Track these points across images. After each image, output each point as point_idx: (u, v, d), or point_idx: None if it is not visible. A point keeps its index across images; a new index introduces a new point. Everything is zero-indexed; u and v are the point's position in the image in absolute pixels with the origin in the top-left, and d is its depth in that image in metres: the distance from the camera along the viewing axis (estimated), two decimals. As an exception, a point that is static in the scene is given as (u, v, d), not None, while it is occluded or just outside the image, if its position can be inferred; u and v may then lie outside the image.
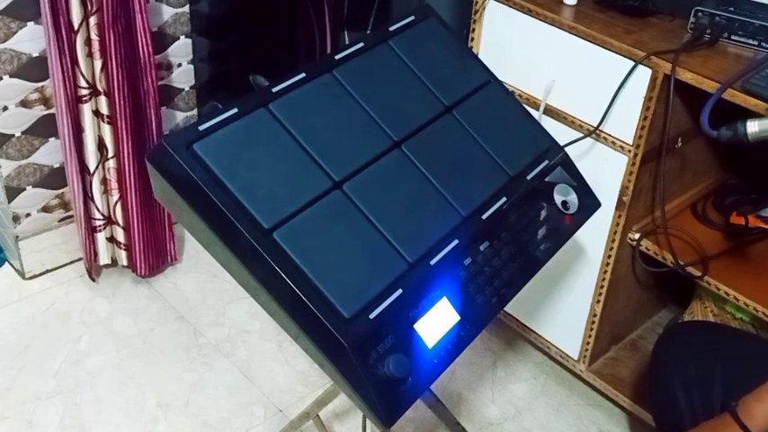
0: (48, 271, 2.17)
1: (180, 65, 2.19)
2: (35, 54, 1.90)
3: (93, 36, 1.82)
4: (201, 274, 2.21)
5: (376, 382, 1.00)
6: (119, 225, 2.06)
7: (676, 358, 1.40)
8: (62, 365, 1.93)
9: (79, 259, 2.18)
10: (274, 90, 1.14)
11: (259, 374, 1.95)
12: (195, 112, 2.30)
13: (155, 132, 1.98)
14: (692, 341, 1.43)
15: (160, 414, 1.84)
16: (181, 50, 2.17)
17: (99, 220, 2.05)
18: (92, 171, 1.99)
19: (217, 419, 1.83)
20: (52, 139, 2.02)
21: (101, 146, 1.97)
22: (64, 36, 1.79)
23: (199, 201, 1.03)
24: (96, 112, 1.93)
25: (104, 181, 2.01)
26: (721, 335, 1.51)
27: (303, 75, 1.17)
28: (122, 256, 2.11)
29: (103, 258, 2.11)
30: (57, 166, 2.06)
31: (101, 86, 1.88)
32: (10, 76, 1.89)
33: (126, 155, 1.96)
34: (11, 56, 1.87)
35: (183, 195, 1.04)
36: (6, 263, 2.19)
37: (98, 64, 1.85)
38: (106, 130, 1.94)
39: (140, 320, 2.07)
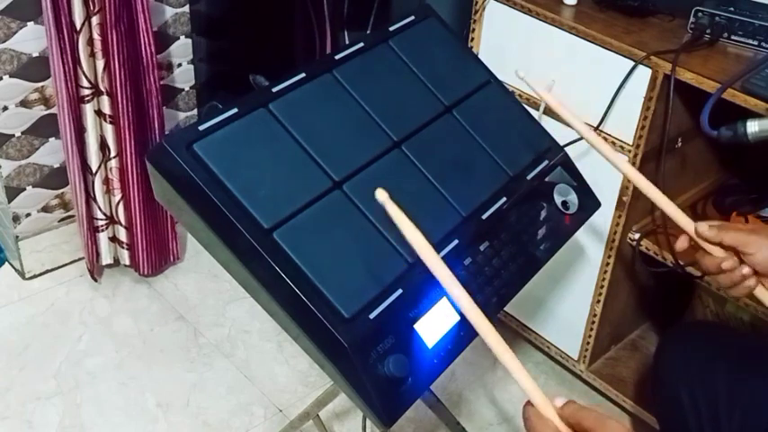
0: (48, 271, 2.17)
1: (180, 65, 2.19)
2: (35, 54, 1.90)
3: (96, 36, 1.82)
4: (201, 274, 2.21)
5: (376, 382, 1.00)
6: (121, 224, 2.06)
7: (680, 358, 1.40)
8: (62, 365, 1.93)
9: (79, 259, 2.18)
10: (274, 90, 1.14)
11: (259, 374, 1.95)
12: (195, 112, 2.30)
13: (157, 132, 1.99)
14: (696, 341, 1.43)
15: (160, 414, 1.84)
16: (181, 50, 2.17)
17: (101, 219, 2.05)
18: (94, 171, 1.99)
19: (217, 419, 1.83)
20: (52, 139, 2.02)
21: (103, 146, 1.97)
22: (66, 36, 1.79)
23: (199, 201, 1.03)
24: (99, 112, 1.93)
25: (106, 181, 2.01)
26: (724, 334, 1.51)
27: (303, 75, 1.17)
28: (125, 256, 2.11)
29: (106, 258, 2.11)
30: (57, 166, 2.06)
31: (103, 86, 1.88)
32: (10, 76, 1.89)
33: (128, 154, 1.96)
34: (11, 56, 1.87)
35: (183, 195, 1.04)
36: (6, 263, 2.19)
37: (100, 64, 1.85)
38: (108, 130, 1.94)
39: (140, 320, 2.07)
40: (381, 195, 0.97)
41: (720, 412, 1.26)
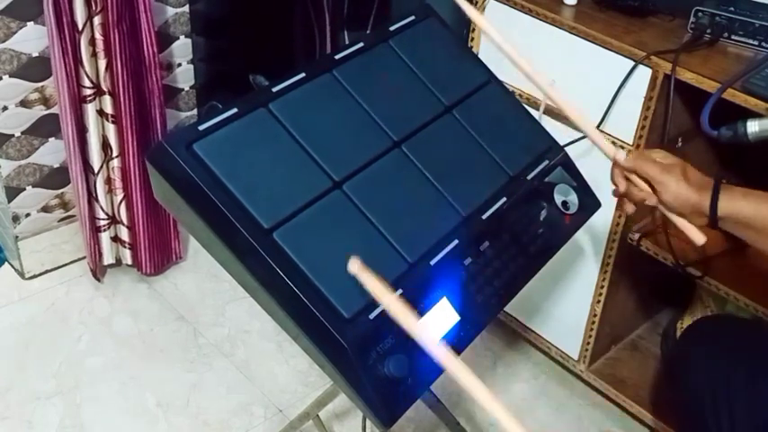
0: (47, 271, 2.17)
1: (180, 65, 2.19)
2: (35, 54, 1.90)
3: (98, 36, 1.82)
4: (201, 274, 2.21)
5: (376, 382, 1.00)
6: (123, 224, 2.06)
7: (702, 355, 1.38)
8: (62, 365, 1.93)
9: (79, 259, 2.18)
10: (274, 90, 1.14)
11: (259, 374, 1.95)
12: (195, 112, 2.30)
13: (160, 131, 1.99)
14: (718, 337, 1.42)
15: (160, 414, 1.84)
16: (181, 50, 2.17)
17: (103, 219, 2.05)
18: (96, 171, 1.99)
19: (217, 419, 1.83)
20: (52, 139, 2.02)
21: (105, 145, 1.97)
22: (67, 36, 1.79)
23: (199, 201, 1.03)
24: (101, 112, 1.93)
25: (108, 180, 2.01)
26: (746, 328, 1.49)
27: (303, 75, 1.17)
28: (127, 255, 2.11)
29: (108, 258, 2.11)
30: (57, 166, 2.06)
31: (105, 86, 1.88)
32: (10, 76, 1.89)
33: (131, 154, 1.96)
34: (11, 56, 1.87)
35: (182, 195, 1.04)
36: (6, 263, 2.19)
37: (102, 63, 1.85)
38: (110, 130, 1.94)
39: (140, 320, 2.07)
40: (354, 266, 0.97)
41: (737, 409, 1.25)
